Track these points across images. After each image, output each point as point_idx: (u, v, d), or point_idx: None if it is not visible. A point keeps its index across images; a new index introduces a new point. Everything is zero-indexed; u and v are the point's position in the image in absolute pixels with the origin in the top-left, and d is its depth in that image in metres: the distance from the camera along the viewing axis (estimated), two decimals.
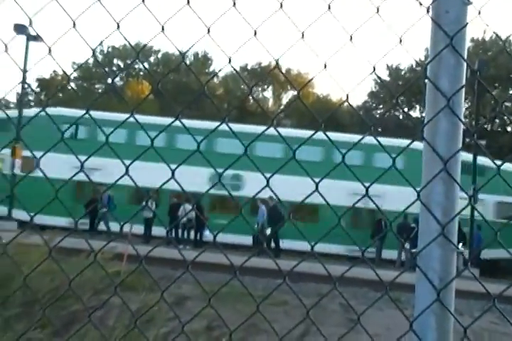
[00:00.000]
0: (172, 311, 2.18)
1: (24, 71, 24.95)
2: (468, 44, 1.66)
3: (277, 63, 1.77)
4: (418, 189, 1.50)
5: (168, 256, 12.54)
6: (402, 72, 51.86)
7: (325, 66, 1.65)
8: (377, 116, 49.62)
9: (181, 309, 5.89)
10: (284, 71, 51.71)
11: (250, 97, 52.03)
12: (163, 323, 4.80)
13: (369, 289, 13.93)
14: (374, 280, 13.77)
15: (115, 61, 58.73)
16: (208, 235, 24.31)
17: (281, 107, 55.39)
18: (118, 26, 1.85)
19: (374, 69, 1.62)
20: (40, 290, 5.20)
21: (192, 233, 24.91)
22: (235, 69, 1.72)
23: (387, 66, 51.65)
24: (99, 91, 54.56)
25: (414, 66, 49.37)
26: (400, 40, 1.63)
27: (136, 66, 59.28)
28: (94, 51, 1.90)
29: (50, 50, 1.96)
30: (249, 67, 57.30)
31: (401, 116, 50.71)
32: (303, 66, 58.17)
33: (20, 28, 23.57)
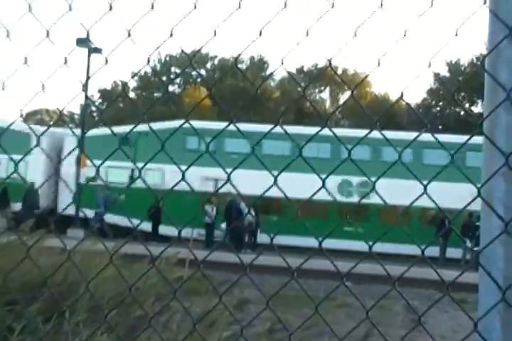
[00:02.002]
0: (233, 315, 2.18)
1: (86, 83, 25.62)
2: None
3: (330, 63, 1.75)
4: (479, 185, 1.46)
5: (231, 261, 12.61)
6: (462, 68, 50.67)
7: (378, 63, 1.62)
8: (437, 113, 48.58)
9: (244, 312, 5.90)
10: (340, 71, 50.99)
11: (307, 98, 51.85)
12: (226, 327, 4.82)
13: (434, 290, 13.65)
14: (439, 281, 13.47)
15: (173, 69, 59.62)
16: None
17: (339, 108, 54.97)
18: (171, 34, 1.87)
19: (430, 64, 1.58)
20: (105, 296, 5.31)
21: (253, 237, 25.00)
22: (287, 71, 1.71)
23: (447, 62, 50.58)
24: (159, 100, 55.48)
25: (474, 60, 48.18)
26: (456, 34, 1.59)
27: (194, 73, 60.06)
28: (148, 59, 1.93)
29: (106, 61, 2.00)
30: (305, 69, 57.16)
31: (462, 113, 49.54)
32: (360, 66, 57.65)
33: (82, 42, 24.22)
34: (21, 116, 1.84)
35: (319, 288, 11.91)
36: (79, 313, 4.91)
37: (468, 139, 1.59)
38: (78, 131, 27.64)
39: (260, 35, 1.66)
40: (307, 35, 1.64)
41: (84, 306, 5.15)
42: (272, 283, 10.42)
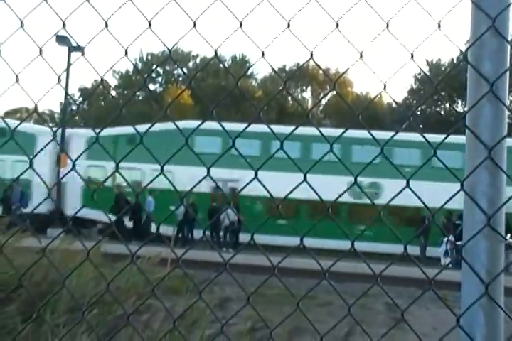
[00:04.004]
0: (214, 312, 2.15)
1: (67, 81, 25.40)
2: None
3: (312, 55, 1.72)
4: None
5: (212, 260, 12.56)
6: (443, 68, 51.01)
7: (361, 55, 1.59)
8: (418, 112, 48.87)
9: (225, 311, 5.85)
10: (322, 71, 51.11)
11: (289, 98, 51.89)
12: (208, 325, 4.78)
13: (415, 288, 13.72)
14: (420, 279, 13.53)
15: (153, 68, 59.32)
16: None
17: (321, 107, 55.10)
18: (150, 25, 1.82)
19: (412, 56, 1.56)
20: (86, 296, 5.24)
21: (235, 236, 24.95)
22: (268, 63, 1.68)
23: (427, 62, 50.88)
24: (140, 98, 55.26)
25: (455, 60, 48.54)
26: (439, 25, 1.57)
27: (175, 72, 59.86)
28: (126, 50, 1.89)
29: (83, 53, 1.95)
30: (287, 68, 57.18)
31: (443, 112, 49.95)
32: (342, 65, 57.89)
33: (61, 39, 24.05)
34: None
35: (300, 287, 11.90)
36: (58, 313, 4.84)
37: (448, 135, 1.57)
38: None
39: (241, 26, 1.63)
40: (288, 26, 1.61)
41: (65, 306, 5.08)
42: (253, 282, 10.39)
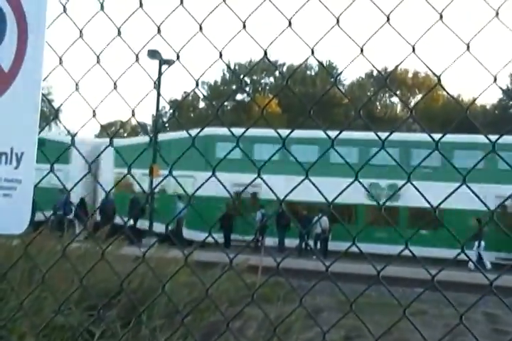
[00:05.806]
0: (312, 319, 2.10)
1: (158, 92, 26.05)
2: None
3: (414, 49, 1.64)
4: None
5: (301, 267, 12.49)
6: None
7: (468, 47, 1.51)
8: None
9: (317, 320, 5.76)
10: (411, 74, 50.25)
11: (377, 103, 51.17)
12: (300, 333, 4.72)
13: None
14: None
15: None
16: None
17: (410, 113, 53.89)
18: (244, 26, 1.79)
19: None
20: (180, 303, 5.31)
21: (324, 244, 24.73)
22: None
23: None
24: (228, 108, 56.11)
25: None
26: None
27: (262, 81, 60.40)
28: (221, 53, 1.87)
29: (178, 57, 1.94)
30: (374, 74, 56.40)
31: None
32: (431, 68, 56.16)
33: (152, 54, 24.94)
34: (94, 115, 1.81)
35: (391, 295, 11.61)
36: (156, 319, 4.93)
37: None
38: None
39: (338, 22, 1.58)
40: (388, 19, 1.54)
41: (160, 312, 5.17)
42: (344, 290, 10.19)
